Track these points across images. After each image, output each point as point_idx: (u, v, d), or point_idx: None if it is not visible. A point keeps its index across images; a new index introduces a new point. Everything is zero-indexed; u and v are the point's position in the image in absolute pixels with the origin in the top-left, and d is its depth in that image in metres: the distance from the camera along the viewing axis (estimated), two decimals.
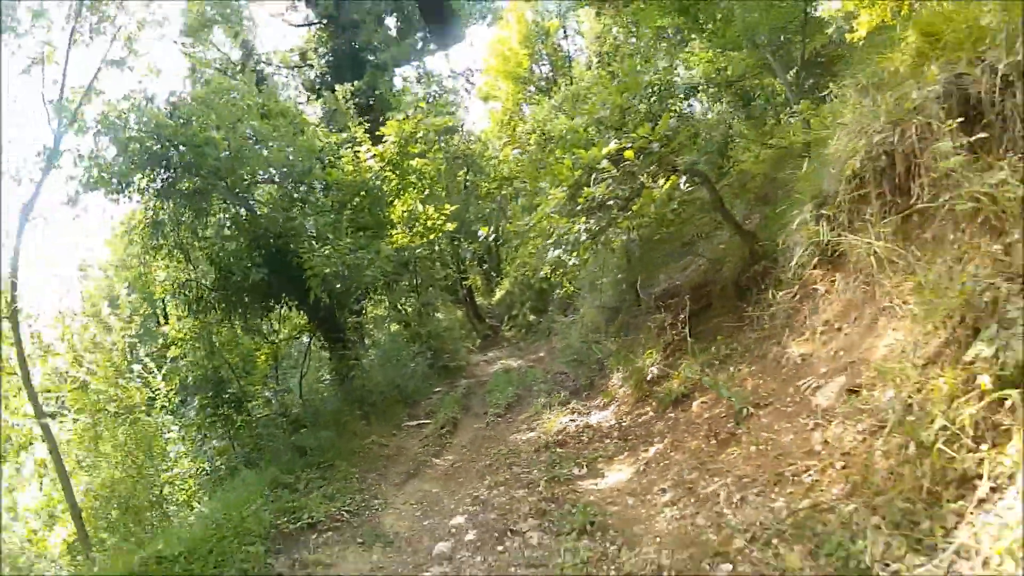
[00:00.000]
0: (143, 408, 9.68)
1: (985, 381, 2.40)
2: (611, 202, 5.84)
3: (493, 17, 20.94)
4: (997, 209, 3.17)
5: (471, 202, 19.01)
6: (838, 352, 3.81)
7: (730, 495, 3.28)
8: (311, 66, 18.89)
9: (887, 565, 2.43)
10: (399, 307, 14.12)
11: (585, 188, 5.91)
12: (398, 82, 19.27)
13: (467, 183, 19.00)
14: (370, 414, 9.71)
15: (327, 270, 7.13)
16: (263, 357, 11.10)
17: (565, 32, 22.37)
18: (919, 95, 3.66)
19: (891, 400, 3.03)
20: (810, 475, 3.07)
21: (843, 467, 2.96)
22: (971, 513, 2.48)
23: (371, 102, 17.69)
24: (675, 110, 6.60)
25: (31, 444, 8.94)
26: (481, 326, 20.51)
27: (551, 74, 22.93)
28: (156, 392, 10.09)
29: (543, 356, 13.31)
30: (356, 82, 15.11)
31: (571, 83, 18.69)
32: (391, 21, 19.90)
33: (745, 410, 4.10)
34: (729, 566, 2.77)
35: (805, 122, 6.63)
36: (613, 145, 5.96)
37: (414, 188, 9.22)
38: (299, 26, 20.56)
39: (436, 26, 19.25)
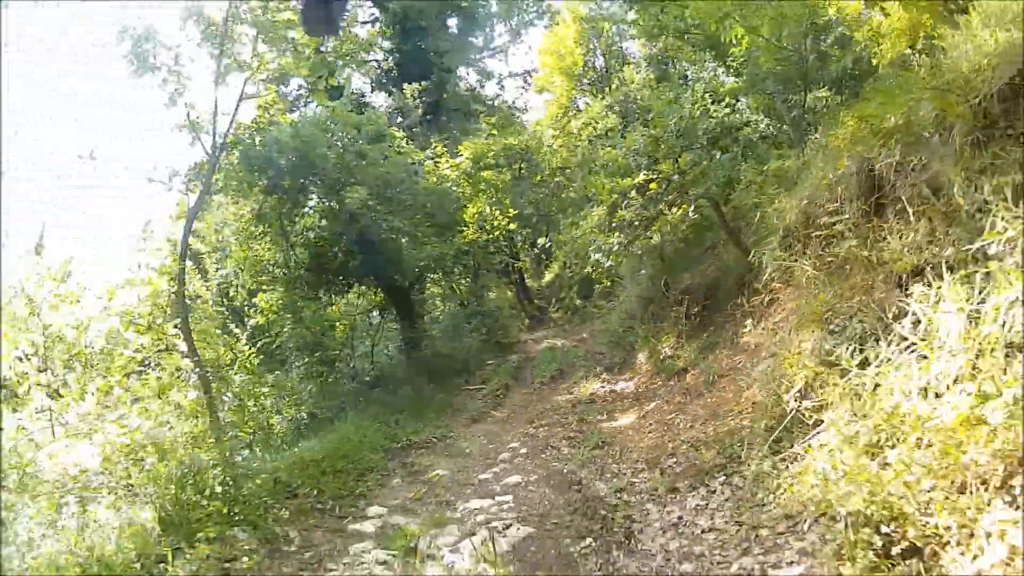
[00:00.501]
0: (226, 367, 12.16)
1: (809, 362, 4.51)
2: (637, 222, 8.00)
3: (550, 18, 22.86)
4: (864, 258, 5.22)
5: (525, 189, 21.26)
6: (775, 343, 5.88)
7: (685, 425, 5.49)
8: (377, 62, 21.29)
9: (752, 459, 4.58)
10: (455, 287, 16.55)
11: (619, 210, 8.08)
12: (461, 83, 21.46)
13: (521, 171, 21.22)
14: (434, 379, 12.16)
15: (421, 263, 9.48)
16: (341, 328, 13.65)
17: (618, 29, 24.08)
18: (835, 175, 5.70)
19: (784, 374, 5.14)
20: (732, 414, 5.22)
21: (751, 411, 5.09)
22: (804, 435, 4.61)
23: (436, 100, 19.99)
24: (702, 142, 8.46)
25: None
26: (530, 307, 22.67)
27: (604, 69, 24.71)
28: (239, 354, 12.65)
29: (586, 337, 15.46)
30: (423, 82, 17.41)
31: (623, 83, 20.52)
32: (452, 22, 22.09)
33: (712, 378, 6.24)
34: (674, 458, 4.98)
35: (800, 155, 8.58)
36: (642, 177, 8.09)
37: (484, 195, 11.53)
38: (364, 23, 22.94)
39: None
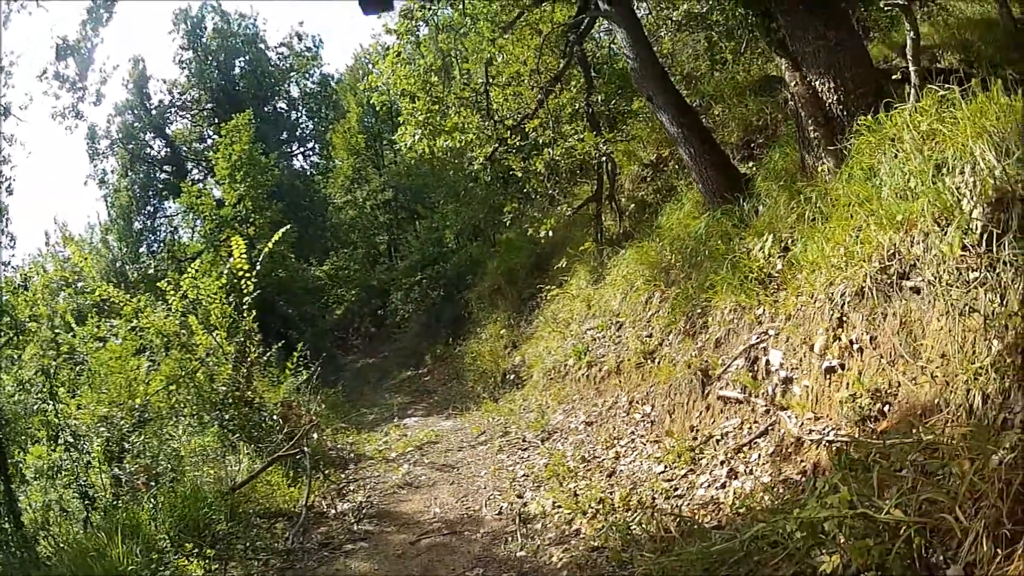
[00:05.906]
0: None
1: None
2: (419, 298, 22.68)
3: (336, 116, 35.65)
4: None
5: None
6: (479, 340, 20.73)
7: (445, 373, 20.12)
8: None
9: (465, 381, 19.37)
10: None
11: (409, 293, 22.69)
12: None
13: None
14: None
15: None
16: None
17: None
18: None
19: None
20: (457, 366, 19.91)
21: (462, 363, 19.83)
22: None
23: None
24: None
25: None
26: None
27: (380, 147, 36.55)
28: None
29: (388, 355, 29.65)
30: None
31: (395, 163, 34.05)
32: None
33: (454, 358, 20.99)
34: (441, 379, 19.55)
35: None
36: (419, 276, 22.69)
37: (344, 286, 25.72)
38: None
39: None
